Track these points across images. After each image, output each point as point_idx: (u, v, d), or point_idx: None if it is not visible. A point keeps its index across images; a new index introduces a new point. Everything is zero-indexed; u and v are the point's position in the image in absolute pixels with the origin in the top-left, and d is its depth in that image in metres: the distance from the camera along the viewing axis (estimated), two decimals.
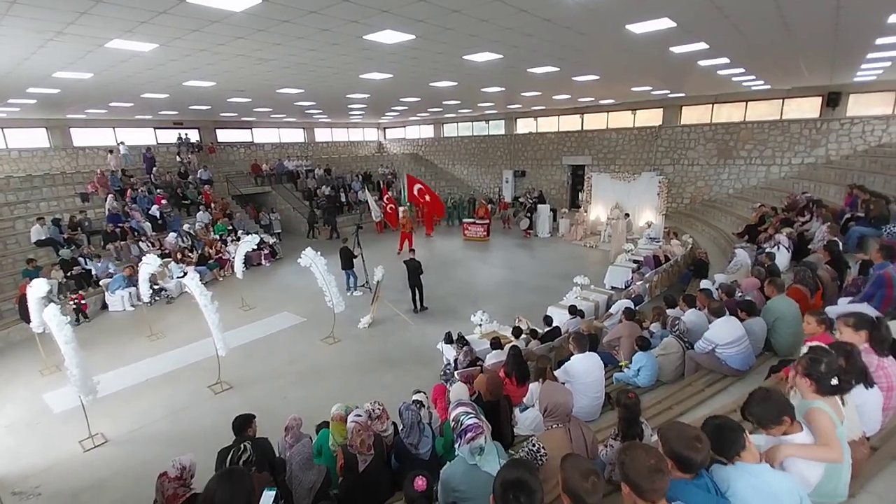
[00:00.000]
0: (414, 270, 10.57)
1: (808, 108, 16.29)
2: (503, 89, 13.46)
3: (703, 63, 9.74)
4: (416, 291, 10.77)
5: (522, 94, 15.18)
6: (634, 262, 12.10)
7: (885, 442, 2.66)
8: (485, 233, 18.35)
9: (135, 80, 9.35)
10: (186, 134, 21.05)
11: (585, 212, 18.03)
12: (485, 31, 6.43)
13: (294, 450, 3.45)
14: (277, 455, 4.60)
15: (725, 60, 9.53)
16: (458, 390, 3.78)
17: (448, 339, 7.78)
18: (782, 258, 8.42)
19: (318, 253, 9.39)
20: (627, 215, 16.20)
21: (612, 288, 11.60)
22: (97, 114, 16.65)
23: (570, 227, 17.97)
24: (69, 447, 6.39)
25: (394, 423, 4.30)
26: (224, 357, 7.75)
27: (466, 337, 8.14)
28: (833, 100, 15.19)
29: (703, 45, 7.88)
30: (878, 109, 14.72)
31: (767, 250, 9.14)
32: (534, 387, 4.39)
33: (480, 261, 15.53)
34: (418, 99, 15.62)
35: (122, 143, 18.75)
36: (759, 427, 2.14)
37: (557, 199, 22.71)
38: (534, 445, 2.36)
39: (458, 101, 17.39)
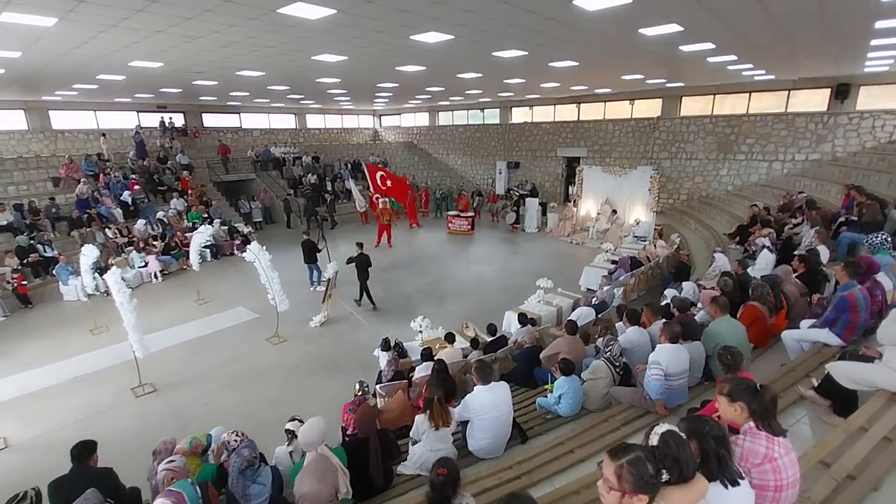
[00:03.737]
0: (362, 265, 9.96)
1: (815, 100, 15.17)
2: (480, 75, 12.63)
3: (685, 49, 8.83)
4: (364, 288, 10.21)
5: (505, 80, 14.30)
6: (612, 262, 11.32)
7: None
8: (469, 226, 17.65)
9: (71, 59, 8.80)
10: (171, 118, 20.63)
11: (574, 206, 17.17)
12: (414, 5, 5.70)
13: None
14: (150, 481, 4.11)
15: (710, 46, 8.61)
16: (307, 431, 2.98)
17: (385, 346, 7.12)
18: (762, 266, 7.62)
19: (264, 248, 8.89)
20: (615, 212, 15.34)
21: (588, 290, 10.90)
22: (72, 96, 16.19)
23: (559, 223, 17.16)
24: None
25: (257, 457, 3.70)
26: (148, 358, 7.35)
27: (406, 344, 7.58)
28: (842, 92, 14.05)
29: (676, 28, 7.03)
30: (892, 103, 13.56)
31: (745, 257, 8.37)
32: (419, 419, 3.74)
33: (459, 256, 14.85)
34: (396, 84, 14.86)
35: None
36: None
37: (552, 192, 21.84)
38: None
39: (442, 88, 16.55)
